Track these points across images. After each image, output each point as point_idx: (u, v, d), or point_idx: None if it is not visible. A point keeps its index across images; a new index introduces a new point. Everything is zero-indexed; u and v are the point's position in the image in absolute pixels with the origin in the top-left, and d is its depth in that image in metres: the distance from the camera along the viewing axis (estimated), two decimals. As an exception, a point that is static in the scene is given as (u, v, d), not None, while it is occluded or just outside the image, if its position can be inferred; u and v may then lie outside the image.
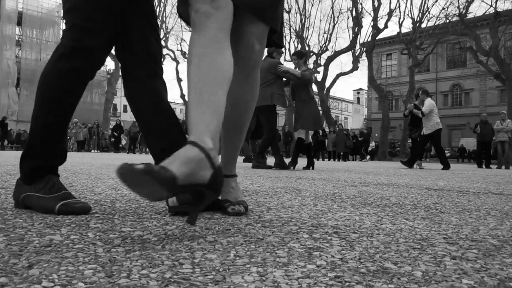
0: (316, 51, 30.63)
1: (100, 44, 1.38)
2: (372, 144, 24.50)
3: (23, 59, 27.62)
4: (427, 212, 1.65)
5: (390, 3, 31.37)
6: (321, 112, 32.30)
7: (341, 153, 19.11)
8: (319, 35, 43.69)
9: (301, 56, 6.26)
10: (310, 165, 6.10)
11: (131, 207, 1.49)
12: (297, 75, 5.87)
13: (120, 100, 51.85)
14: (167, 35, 31.15)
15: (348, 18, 33.64)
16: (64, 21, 1.38)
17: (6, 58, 26.34)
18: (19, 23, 27.47)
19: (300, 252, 0.90)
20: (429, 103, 8.76)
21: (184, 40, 33.69)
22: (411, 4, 40.41)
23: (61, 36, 1.41)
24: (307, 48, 29.74)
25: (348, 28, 30.73)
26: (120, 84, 37.79)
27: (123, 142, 22.90)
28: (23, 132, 22.05)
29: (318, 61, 30.06)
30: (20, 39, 28.15)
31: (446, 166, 8.32)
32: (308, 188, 2.67)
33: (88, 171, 3.81)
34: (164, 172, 0.89)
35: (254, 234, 1.07)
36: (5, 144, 20.21)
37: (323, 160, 18.06)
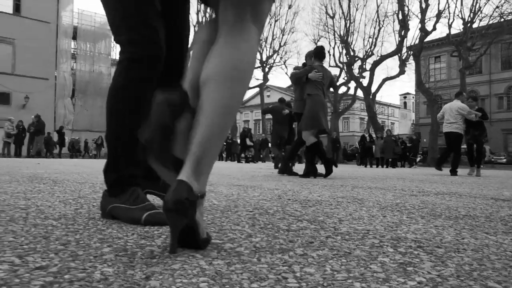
0: (361, 56, 30.17)
1: (150, 52, 1.45)
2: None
3: (77, 71, 29.07)
4: (505, 226, 1.60)
5: (438, 4, 30.25)
6: (368, 118, 31.20)
7: (389, 160, 18.59)
8: (364, 40, 42.86)
9: (310, 56, 5.95)
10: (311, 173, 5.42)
11: (208, 218, 1.54)
12: (292, 75, 5.78)
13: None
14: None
15: (394, 21, 32.86)
16: (118, 46, 1.50)
17: (63, 71, 27.83)
18: (74, 37, 28.97)
19: (394, 267, 0.90)
20: (444, 107, 8.68)
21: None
22: (461, 4, 38.77)
23: (115, 53, 1.53)
24: (351, 54, 29.36)
25: (394, 31, 30.02)
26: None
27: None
28: (76, 140, 23.27)
29: (364, 66, 29.59)
30: (75, 52, 29.66)
31: (451, 172, 7.99)
32: (368, 197, 2.64)
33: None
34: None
35: (339, 248, 1.08)
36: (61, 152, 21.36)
37: (370, 166, 17.64)
